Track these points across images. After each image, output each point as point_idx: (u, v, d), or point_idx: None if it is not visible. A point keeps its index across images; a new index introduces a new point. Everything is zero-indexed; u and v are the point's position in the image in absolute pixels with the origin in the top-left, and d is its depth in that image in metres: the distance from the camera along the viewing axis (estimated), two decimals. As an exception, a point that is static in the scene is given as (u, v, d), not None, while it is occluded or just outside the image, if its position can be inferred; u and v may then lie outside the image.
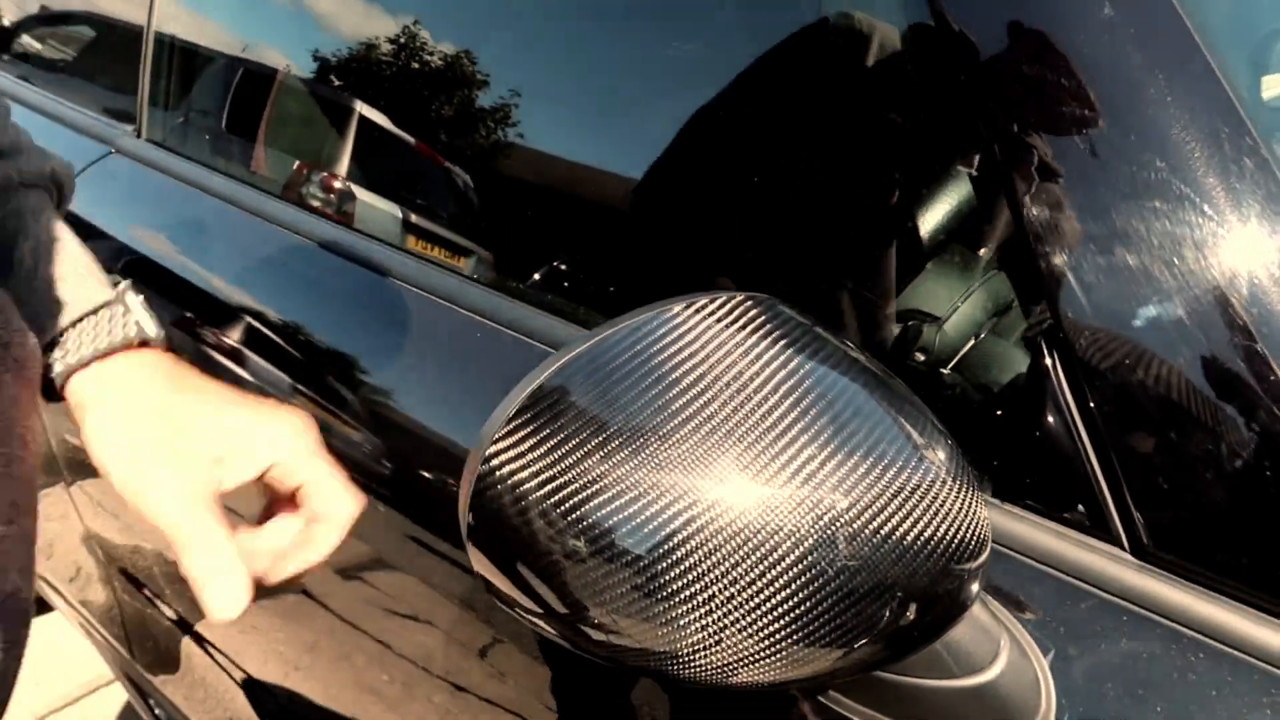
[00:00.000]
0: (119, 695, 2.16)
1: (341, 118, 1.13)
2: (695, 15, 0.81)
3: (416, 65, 1.04)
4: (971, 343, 0.70)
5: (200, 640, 1.34)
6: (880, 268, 0.74)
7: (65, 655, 2.24)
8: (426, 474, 0.85)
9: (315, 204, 1.13)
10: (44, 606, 2.31)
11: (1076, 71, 0.53)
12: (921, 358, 0.70)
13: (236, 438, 0.57)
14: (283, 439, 0.58)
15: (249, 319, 1.03)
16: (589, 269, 0.86)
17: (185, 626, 1.35)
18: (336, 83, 1.14)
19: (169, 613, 1.38)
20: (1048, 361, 0.55)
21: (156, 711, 1.57)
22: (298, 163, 1.19)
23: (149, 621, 1.45)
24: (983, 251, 0.72)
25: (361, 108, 1.11)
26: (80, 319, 0.58)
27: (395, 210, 1.08)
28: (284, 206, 1.11)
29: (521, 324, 0.83)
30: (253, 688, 1.29)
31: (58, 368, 0.57)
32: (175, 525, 0.53)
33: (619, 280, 0.84)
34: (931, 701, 0.52)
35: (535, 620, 0.47)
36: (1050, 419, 0.55)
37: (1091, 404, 0.53)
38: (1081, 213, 0.53)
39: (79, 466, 1.42)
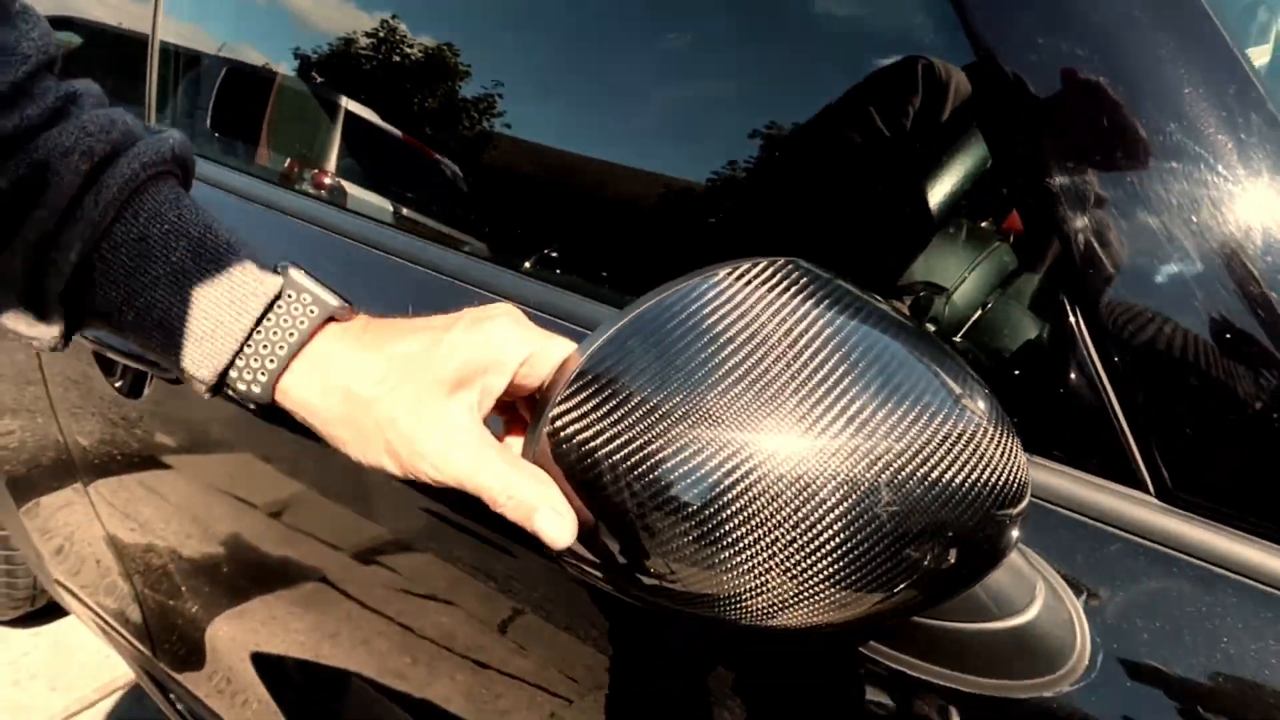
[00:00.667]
0: (134, 696, 2.17)
1: (327, 113, 1.15)
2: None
3: (399, 59, 1.06)
4: (979, 312, 0.72)
5: (223, 633, 1.35)
6: (889, 242, 0.76)
7: (79, 659, 2.25)
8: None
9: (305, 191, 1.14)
10: (56, 611, 2.32)
11: (1090, 38, 0.55)
12: (931, 328, 0.72)
13: (475, 356, 0.51)
14: (512, 332, 0.52)
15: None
16: (591, 250, 0.88)
17: (208, 620, 1.37)
18: (320, 79, 1.15)
19: (192, 608, 1.39)
20: (1071, 320, 0.57)
21: (179, 706, 1.58)
22: (288, 160, 1.21)
23: (172, 617, 1.46)
24: (985, 224, 0.74)
25: (347, 102, 1.13)
26: (261, 317, 0.52)
27: (386, 203, 1.09)
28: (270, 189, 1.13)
29: (523, 297, 0.85)
30: (275, 678, 1.31)
31: (261, 378, 0.52)
32: (470, 479, 0.49)
33: (628, 257, 0.86)
34: (971, 645, 0.54)
35: (591, 570, 0.49)
36: (1074, 374, 0.57)
37: (1115, 358, 0.55)
38: (1102, 178, 0.55)
39: (96, 468, 1.43)
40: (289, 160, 1.22)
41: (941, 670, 0.55)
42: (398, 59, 1.07)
